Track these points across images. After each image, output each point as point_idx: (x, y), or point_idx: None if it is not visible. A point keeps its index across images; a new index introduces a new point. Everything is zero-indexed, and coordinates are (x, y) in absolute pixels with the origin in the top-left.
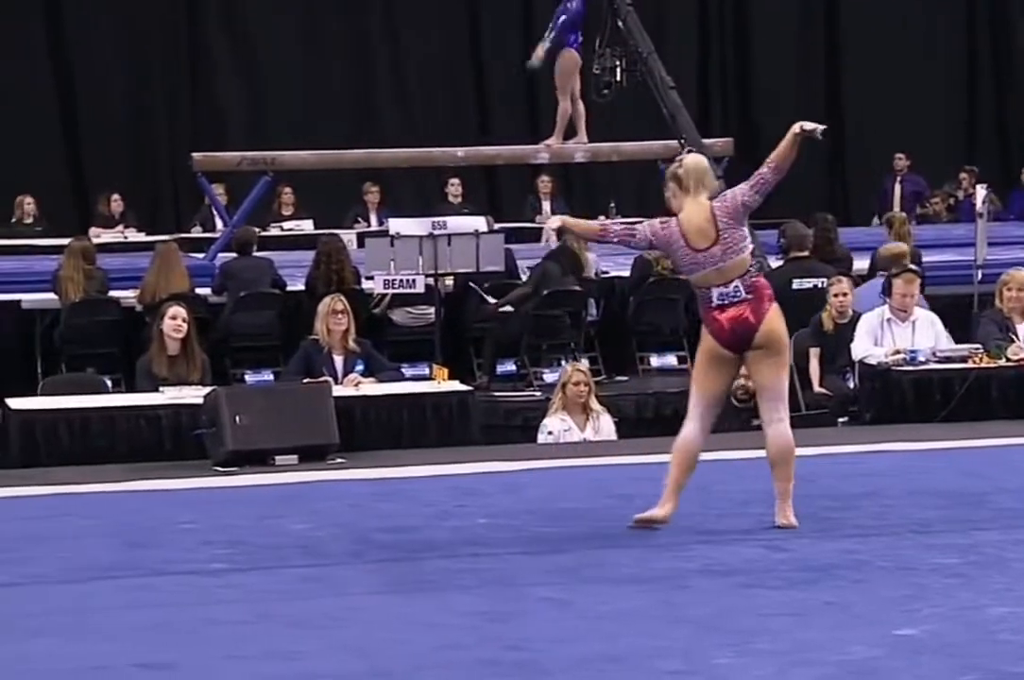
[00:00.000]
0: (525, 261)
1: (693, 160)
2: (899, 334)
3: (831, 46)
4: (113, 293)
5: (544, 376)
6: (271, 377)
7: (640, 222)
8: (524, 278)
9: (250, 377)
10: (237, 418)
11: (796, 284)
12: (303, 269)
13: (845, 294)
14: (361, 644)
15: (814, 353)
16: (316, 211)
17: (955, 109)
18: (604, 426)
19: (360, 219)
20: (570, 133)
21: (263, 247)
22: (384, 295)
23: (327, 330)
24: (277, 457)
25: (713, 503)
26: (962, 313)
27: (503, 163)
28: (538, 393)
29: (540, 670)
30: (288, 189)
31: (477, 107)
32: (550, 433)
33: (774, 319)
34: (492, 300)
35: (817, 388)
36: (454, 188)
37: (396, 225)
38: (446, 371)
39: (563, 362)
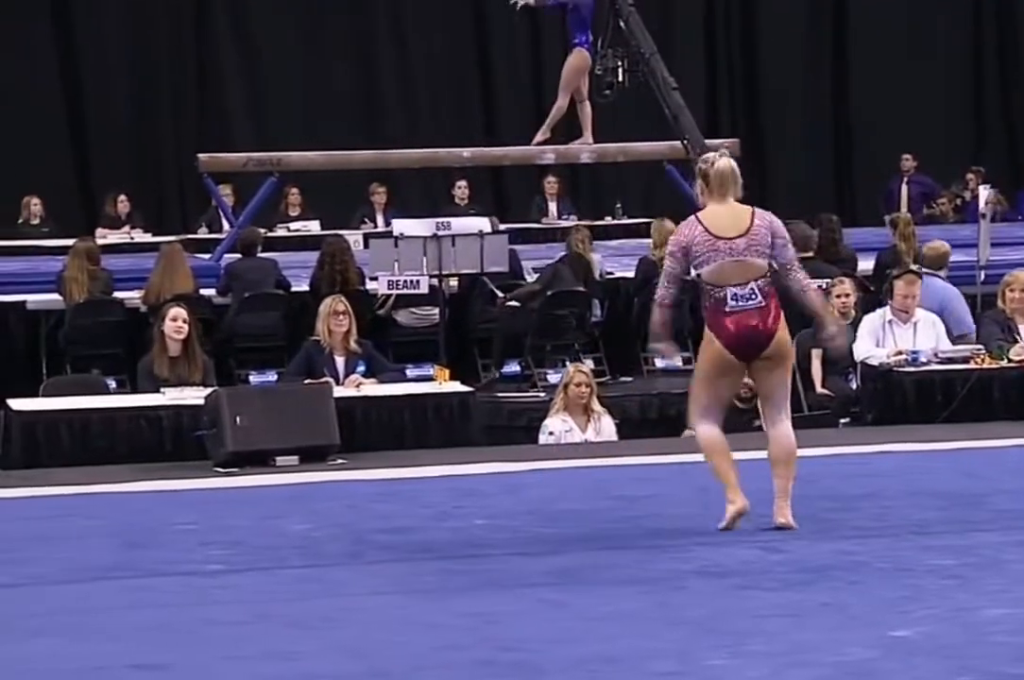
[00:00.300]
0: (531, 262)
1: (722, 164)
2: (900, 335)
3: (838, 47)
4: (118, 294)
5: (548, 377)
6: (276, 378)
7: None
8: (529, 279)
9: (255, 378)
10: (238, 419)
11: None
12: (309, 270)
13: (847, 295)
14: (358, 645)
15: (816, 354)
16: (323, 212)
17: (962, 109)
18: (605, 427)
19: (367, 220)
20: (576, 133)
21: (270, 248)
22: (388, 296)
23: (328, 331)
24: (278, 458)
25: (712, 504)
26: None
27: (509, 164)
28: (542, 394)
29: (536, 671)
30: (295, 190)
31: (483, 107)
32: (551, 434)
33: (783, 329)
34: (501, 294)
35: (819, 389)
36: (461, 190)
37: (400, 226)
38: (447, 372)
39: (567, 363)
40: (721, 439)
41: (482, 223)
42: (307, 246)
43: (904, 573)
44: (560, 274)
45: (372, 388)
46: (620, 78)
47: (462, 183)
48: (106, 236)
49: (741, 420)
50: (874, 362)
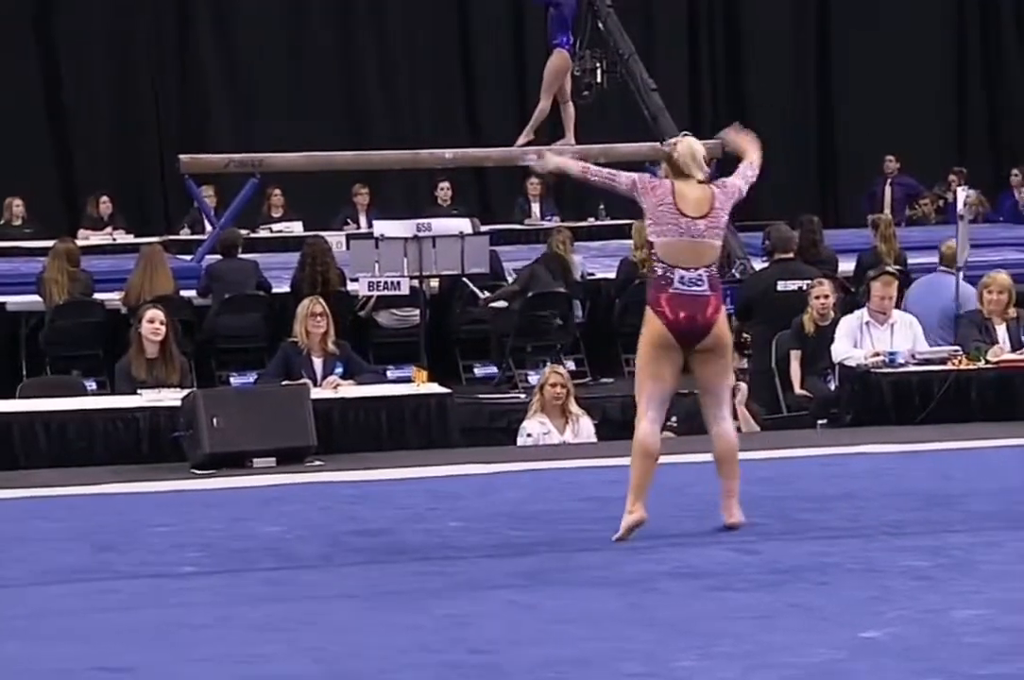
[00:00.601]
0: (513, 263)
1: (687, 143)
2: (878, 336)
3: (822, 48)
4: (98, 295)
5: (529, 378)
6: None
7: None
8: (511, 280)
9: (235, 379)
10: (214, 420)
11: (781, 286)
12: (291, 270)
13: (827, 296)
14: (325, 647)
15: (795, 355)
16: (306, 213)
17: (945, 111)
18: (584, 428)
19: (350, 221)
20: (560, 135)
21: (253, 249)
22: (369, 297)
23: (306, 332)
24: (255, 459)
25: (685, 505)
26: None
27: (492, 165)
28: (523, 395)
29: (502, 673)
30: (277, 191)
31: (466, 108)
32: (529, 435)
33: (723, 322)
34: (484, 294)
35: (798, 390)
36: (443, 191)
37: (381, 227)
38: (425, 374)
39: (548, 364)
40: (652, 442)
41: (463, 224)
42: (289, 247)
43: (875, 574)
44: (536, 274)
45: (350, 389)
46: (599, 79)
47: (445, 184)
48: (88, 237)
49: None
50: (852, 363)
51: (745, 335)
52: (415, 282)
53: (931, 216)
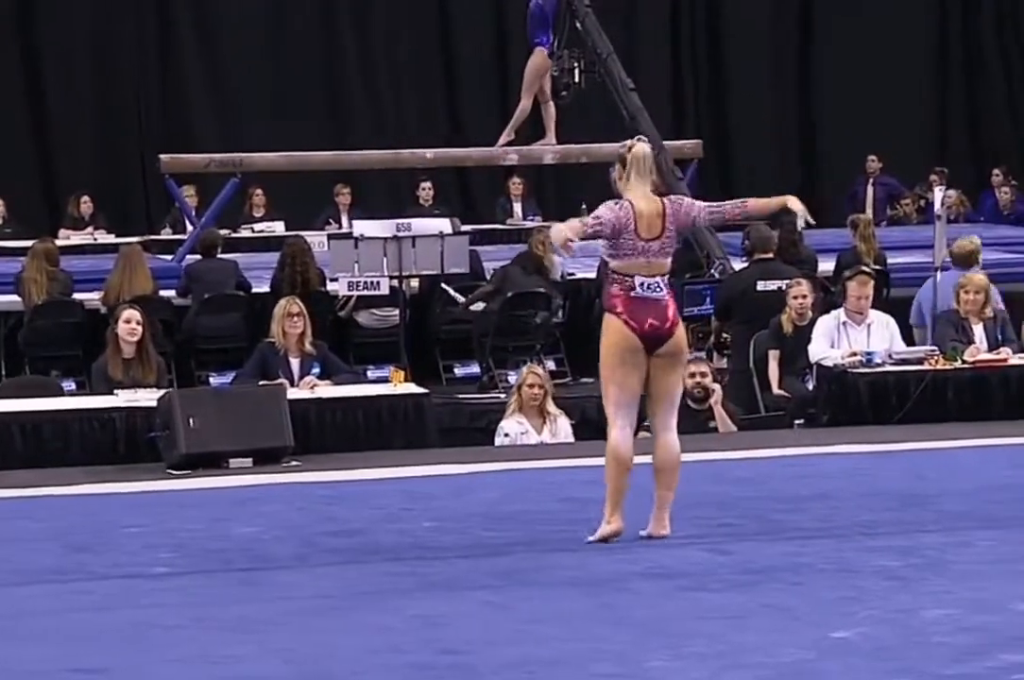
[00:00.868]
0: (495, 263)
1: (639, 149)
2: (854, 336)
3: (803, 47)
4: (78, 295)
5: (509, 378)
6: None
7: (597, 212)
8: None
9: (215, 379)
10: (191, 421)
11: (761, 286)
12: (272, 271)
13: (805, 296)
14: (297, 648)
15: (773, 355)
16: (287, 212)
17: (927, 111)
18: (561, 428)
19: (332, 221)
20: (540, 134)
21: (234, 248)
22: (349, 297)
23: (283, 332)
24: (231, 460)
25: None
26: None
27: (473, 165)
28: (503, 395)
29: (473, 673)
30: (259, 191)
31: (448, 108)
32: (506, 435)
33: (682, 328)
34: (462, 299)
35: (776, 390)
36: (425, 191)
37: (360, 227)
38: (403, 374)
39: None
40: (624, 451)
41: (443, 224)
42: (271, 247)
43: (848, 574)
44: (510, 275)
45: (327, 390)
46: (576, 79)
47: (426, 184)
48: (69, 237)
49: (696, 421)
50: (829, 363)
51: (724, 335)
52: (395, 282)
53: (912, 216)
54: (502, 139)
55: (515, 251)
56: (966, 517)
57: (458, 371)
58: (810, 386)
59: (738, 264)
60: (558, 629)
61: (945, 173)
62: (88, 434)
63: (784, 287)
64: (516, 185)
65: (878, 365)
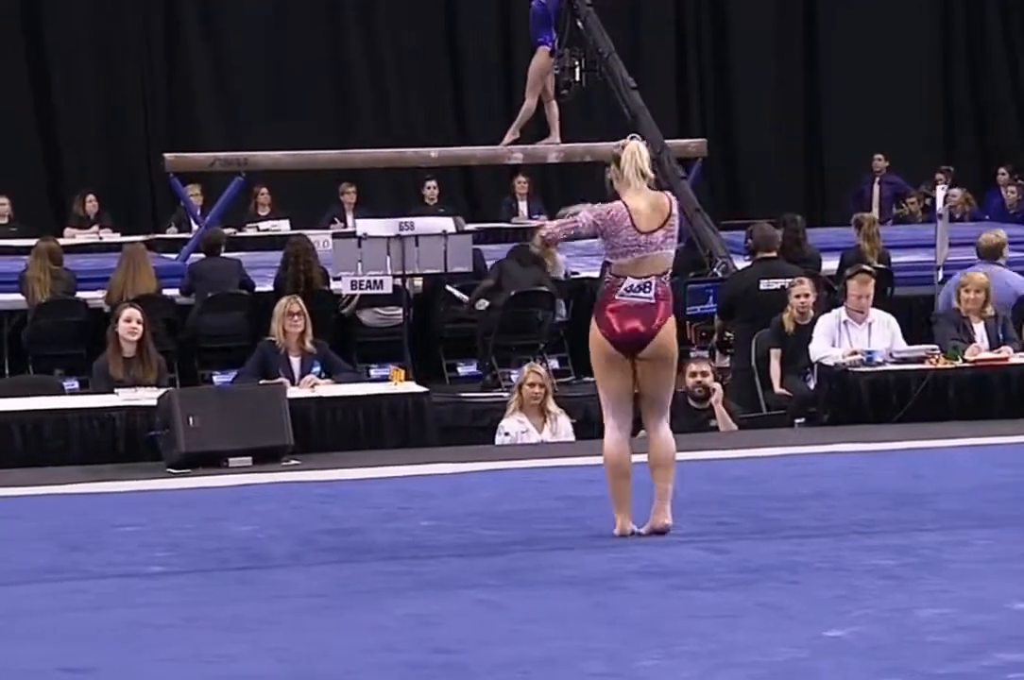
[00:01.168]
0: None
1: (632, 147)
2: (855, 336)
3: (808, 46)
4: (81, 294)
5: (512, 377)
6: None
7: (576, 214)
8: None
9: (218, 378)
10: (190, 420)
11: (764, 285)
12: (277, 269)
13: (807, 295)
14: (290, 647)
15: (775, 354)
16: (293, 211)
17: (933, 109)
18: (562, 427)
19: (337, 220)
20: (544, 133)
21: (239, 247)
22: (352, 296)
23: (283, 331)
24: (231, 459)
25: None
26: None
27: (477, 163)
28: (506, 394)
29: (466, 673)
30: (264, 189)
31: (454, 108)
32: (507, 434)
33: (668, 332)
34: (466, 299)
35: (778, 389)
36: (430, 190)
37: (363, 226)
38: (403, 373)
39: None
40: (620, 453)
41: (446, 223)
42: (276, 246)
43: (844, 573)
44: (506, 268)
45: (327, 389)
46: (577, 78)
47: (431, 183)
48: (75, 236)
49: (696, 420)
50: (830, 362)
51: (727, 334)
52: (398, 281)
53: (918, 215)
54: (507, 138)
55: None
56: (963, 516)
57: (461, 370)
58: (811, 385)
59: (741, 263)
60: (552, 628)
61: (951, 172)
62: (88, 433)
63: (787, 286)
64: (521, 184)
65: (879, 364)
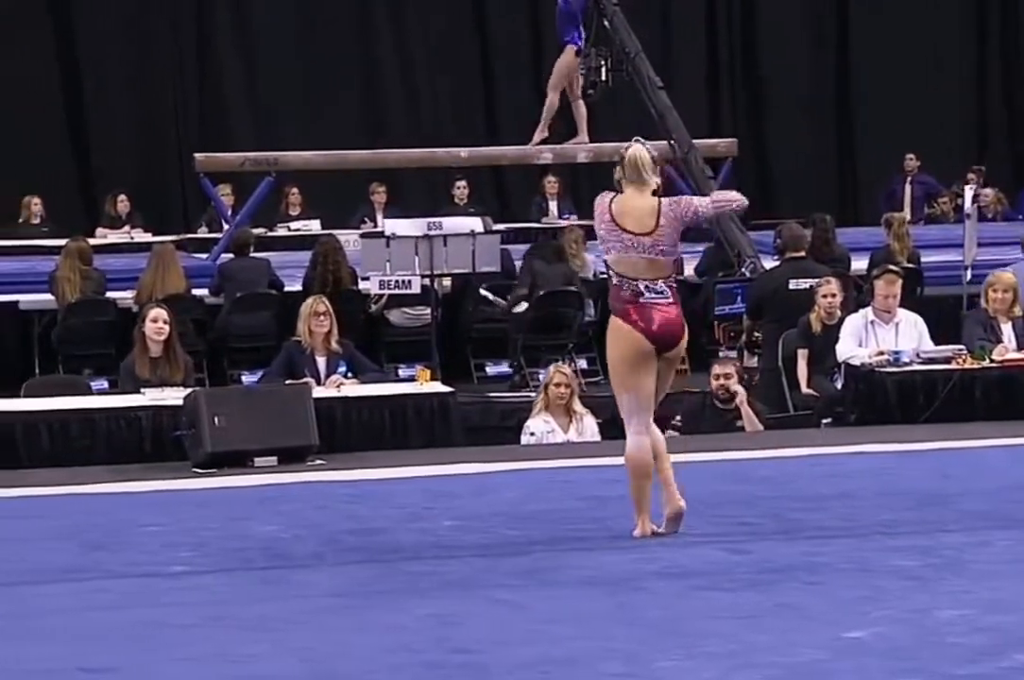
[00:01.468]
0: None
1: (633, 152)
2: (882, 336)
3: (841, 46)
4: (110, 294)
5: (541, 377)
6: None
7: None
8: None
9: (247, 377)
10: (216, 420)
11: (792, 284)
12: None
13: (834, 295)
14: (312, 647)
15: (802, 354)
16: (323, 211)
17: (966, 109)
18: (587, 427)
19: (367, 219)
20: (573, 133)
21: (270, 247)
22: (381, 295)
23: (309, 331)
24: (256, 459)
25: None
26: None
27: (507, 163)
28: (533, 394)
29: (485, 673)
30: (295, 189)
31: (484, 107)
32: (532, 434)
33: (682, 334)
34: (503, 301)
35: (805, 389)
36: (460, 190)
37: (392, 226)
38: (428, 372)
39: (562, 362)
40: (638, 457)
41: (474, 223)
42: (307, 245)
43: (866, 574)
44: (535, 269)
45: (352, 388)
46: (604, 77)
47: (462, 183)
48: (107, 236)
49: (723, 420)
50: (856, 362)
51: (756, 334)
52: (426, 281)
53: (950, 215)
54: (536, 137)
55: None
56: (987, 517)
57: (490, 370)
58: (838, 385)
59: (770, 263)
60: (572, 628)
61: (982, 171)
62: (115, 433)
63: (812, 286)
64: (551, 184)
65: (906, 364)
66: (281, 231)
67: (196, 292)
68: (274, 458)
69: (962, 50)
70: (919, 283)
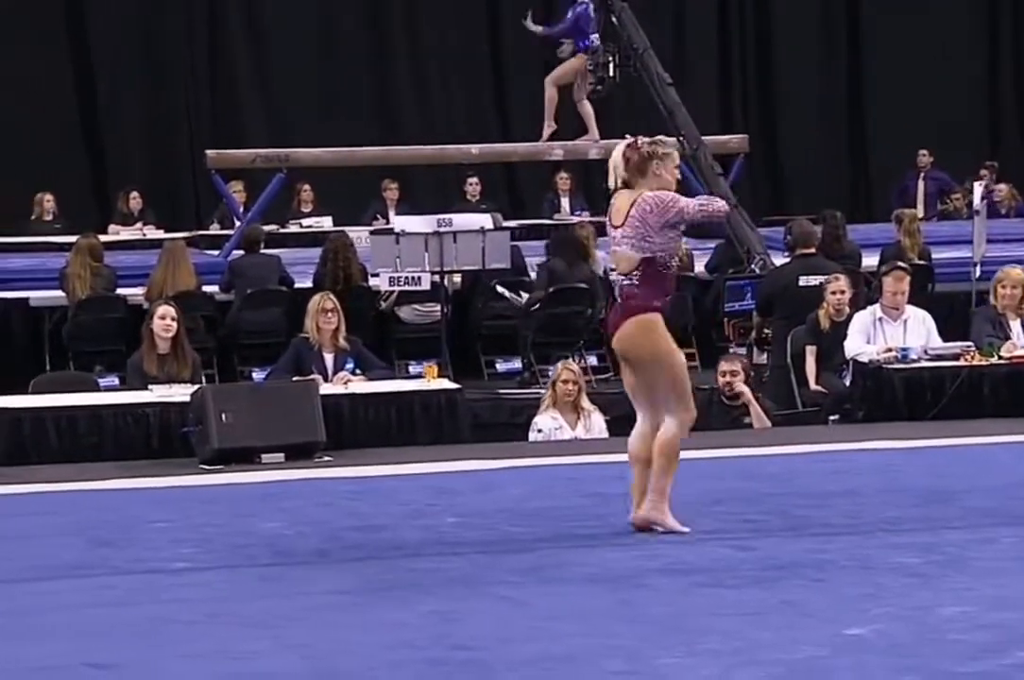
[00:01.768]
0: (540, 258)
1: (612, 155)
2: (890, 332)
3: (853, 41)
4: (121, 290)
5: (551, 374)
6: None
7: None
8: (533, 275)
9: (257, 374)
10: (223, 416)
11: (803, 281)
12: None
13: (843, 291)
14: (313, 644)
15: (810, 351)
16: (336, 208)
17: (978, 104)
18: (595, 424)
19: (379, 216)
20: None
21: (282, 244)
22: (391, 292)
23: (317, 328)
24: (263, 455)
25: (685, 501)
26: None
27: (518, 160)
28: (544, 390)
29: (487, 670)
30: (307, 186)
31: (497, 110)
32: (540, 431)
33: (633, 333)
34: (519, 299)
35: (813, 386)
36: (472, 187)
37: (401, 222)
38: (436, 369)
39: (573, 359)
40: (633, 446)
41: (484, 220)
42: (319, 242)
43: (869, 571)
44: (555, 270)
45: (360, 385)
46: (611, 73)
47: (473, 180)
48: (119, 232)
49: (730, 417)
50: (864, 359)
51: (766, 330)
52: (436, 277)
53: (963, 211)
54: (545, 132)
55: None
56: (992, 514)
57: (500, 366)
58: (847, 382)
59: (780, 259)
60: (574, 625)
61: (995, 167)
62: (122, 429)
63: (821, 283)
64: (563, 180)
65: (914, 361)
66: (293, 228)
67: (207, 289)
68: (281, 455)
69: (974, 45)
70: (930, 279)
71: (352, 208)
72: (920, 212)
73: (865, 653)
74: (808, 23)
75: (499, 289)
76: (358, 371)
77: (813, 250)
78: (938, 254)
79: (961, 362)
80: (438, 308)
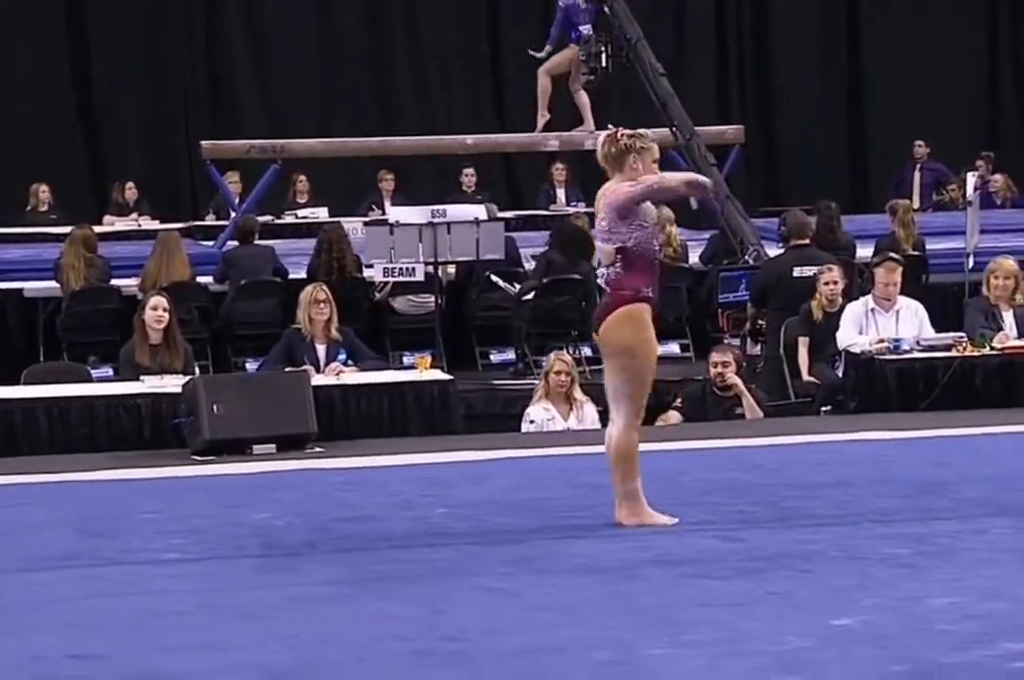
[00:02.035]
0: (537, 249)
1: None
2: (883, 323)
3: (851, 32)
4: (118, 281)
5: (544, 364)
6: None
7: None
8: (528, 265)
9: (251, 365)
10: (215, 407)
11: (797, 272)
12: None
13: (835, 282)
14: (301, 635)
15: (803, 342)
16: (331, 199)
17: (976, 95)
18: (588, 415)
19: (375, 207)
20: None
21: (277, 235)
22: (385, 283)
23: (309, 319)
24: (255, 446)
25: (675, 492)
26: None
27: (514, 150)
28: (537, 381)
29: (473, 661)
30: (303, 177)
31: (494, 105)
32: (532, 422)
33: (611, 326)
34: (512, 288)
35: (806, 377)
36: (468, 177)
37: (396, 213)
38: (428, 360)
39: (567, 350)
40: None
41: (478, 210)
42: (313, 233)
43: (858, 562)
44: (552, 262)
45: (352, 376)
46: (604, 63)
47: (469, 170)
48: (114, 223)
49: (722, 407)
50: (856, 350)
51: (760, 322)
52: (430, 268)
53: (959, 202)
54: (539, 122)
55: None
56: (983, 504)
57: (494, 357)
58: (840, 373)
59: (774, 250)
60: (563, 617)
61: (991, 158)
62: (114, 420)
63: (814, 273)
64: (559, 171)
65: (906, 352)
66: (288, 219)
67: (201, 280)
68: (273, 446)
69: (972, 37)
70: (924, 270)
71: (348, 199)
72: (916, 203)
73: (853, 644)
74: (807, 16)
75: (493, 278)
76: (350, 362)
77: (807, 241)
78: (933, 245)
79: (953, 353)
80: (432, 299)
